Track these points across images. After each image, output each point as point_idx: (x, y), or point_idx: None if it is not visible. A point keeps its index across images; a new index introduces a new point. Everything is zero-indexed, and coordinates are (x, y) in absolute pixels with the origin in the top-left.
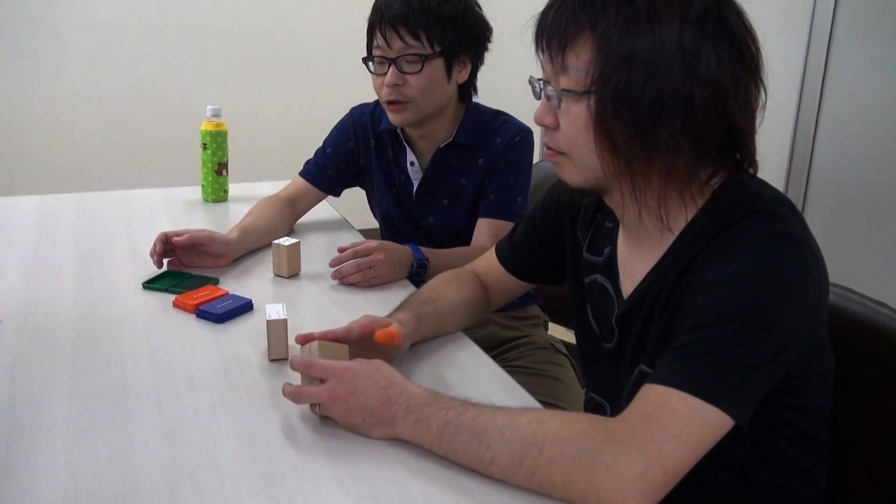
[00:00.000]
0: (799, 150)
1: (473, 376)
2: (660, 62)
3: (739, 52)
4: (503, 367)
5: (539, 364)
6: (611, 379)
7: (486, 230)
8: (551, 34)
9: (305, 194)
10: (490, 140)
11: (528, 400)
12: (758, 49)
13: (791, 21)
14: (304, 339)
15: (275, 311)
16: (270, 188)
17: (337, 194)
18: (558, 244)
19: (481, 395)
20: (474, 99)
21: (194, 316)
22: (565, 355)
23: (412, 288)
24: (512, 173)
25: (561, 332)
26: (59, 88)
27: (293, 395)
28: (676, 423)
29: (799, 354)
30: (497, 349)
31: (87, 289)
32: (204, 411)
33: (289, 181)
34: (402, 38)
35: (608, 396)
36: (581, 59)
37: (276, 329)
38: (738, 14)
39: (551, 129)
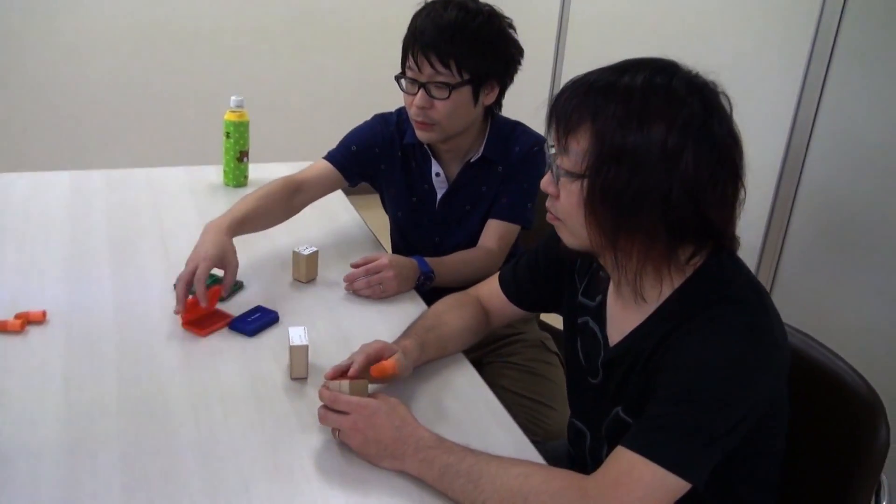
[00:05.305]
0: (789, 168)
1: (468, 401)
2: (644, 160)
3: (720, 156)
4: (497, 361)
5: (530, 362)
6: (593, 411)
7: (494, 231)
8: (559, 118)
9: (326, 176)
10: (508, 149)
11: (516, 431)
12: (740, 154)
13: (789, 45)
14: (333, 376)
15: (297, 335)
16: (287, 170)
17: (354, 184)
18: (558, 281)
19: (472, 417)
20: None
21: (226, 328)
22: (555, 353)
23: (419, 299)
24: (526, 181)
25: (553, 319)
26: (86, 67)
27: (321, 416)
28: (642, 488)
29: (758, 418)
30: (492, 345)
31: (123, 294)
32: (236, 433)
33: (306, 163)
34: (432, 66)
35: (589, 426)
36: (581, 145)
37: (298, 354)
38: (723, 122)
39: (553, 196)
